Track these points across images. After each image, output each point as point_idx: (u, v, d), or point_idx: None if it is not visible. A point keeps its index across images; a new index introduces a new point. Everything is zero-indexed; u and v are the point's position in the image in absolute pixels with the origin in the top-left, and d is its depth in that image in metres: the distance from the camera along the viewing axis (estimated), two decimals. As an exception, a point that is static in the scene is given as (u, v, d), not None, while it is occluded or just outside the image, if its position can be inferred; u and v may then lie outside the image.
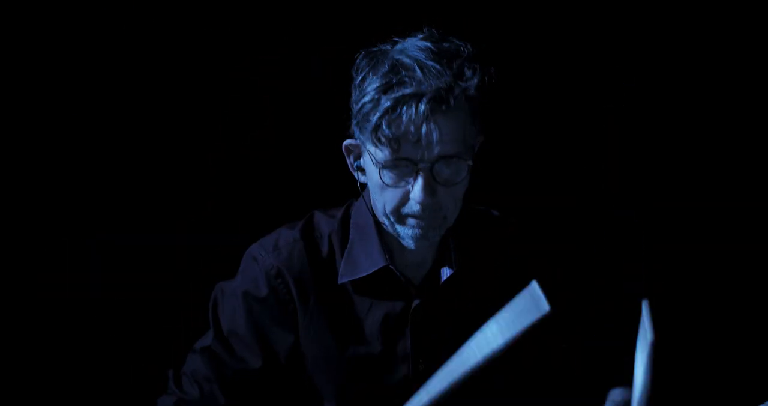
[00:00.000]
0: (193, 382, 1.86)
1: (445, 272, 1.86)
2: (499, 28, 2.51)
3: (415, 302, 1.86)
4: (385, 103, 1.65)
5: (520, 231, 1.98)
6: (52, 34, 2.38)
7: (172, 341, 2.29)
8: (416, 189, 1.70)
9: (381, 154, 1.69)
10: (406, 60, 1.67)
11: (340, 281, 1.84)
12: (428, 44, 1.70)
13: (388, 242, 1.84)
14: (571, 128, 2.61)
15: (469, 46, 1.73)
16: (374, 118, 1.66)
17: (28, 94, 2.39)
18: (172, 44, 2.44)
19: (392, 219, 1.76)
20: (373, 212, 1.83)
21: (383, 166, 1.70)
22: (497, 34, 2.49)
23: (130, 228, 2.48)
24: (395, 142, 1.66)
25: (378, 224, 1.84)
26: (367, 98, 1.67)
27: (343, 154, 1.82)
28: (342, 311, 1.85)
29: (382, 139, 1.67)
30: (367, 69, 1.71)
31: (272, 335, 1.86)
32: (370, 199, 1.83)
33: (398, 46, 1.72)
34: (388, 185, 1.72)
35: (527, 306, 1.33)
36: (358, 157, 1.79)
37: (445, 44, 1.71)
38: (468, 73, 1.68)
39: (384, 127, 1.65)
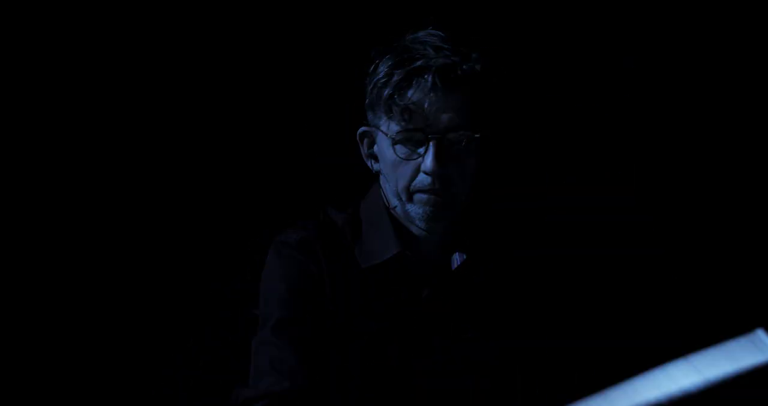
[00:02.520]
0: (282, 376, 1.81)
1: (456, 261, 1.90)
2: (507, 24, 2.53)
3: (426, 291, 1.88)
4: (397, 76, 1.79)
5: (528, 227, 2.06)
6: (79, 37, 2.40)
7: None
8: (427, 159, 1.79)
9: (394, 126, 1.81)
10: (418, 45, 1.82)
11: (363, 266, 1.88)
12: (438, 32, 1.85)
13: (400, 230, 1.89)
14: (581, 122, 2.62)
15: (476, 37, 1.85)
16: (387, 91, 1.80)
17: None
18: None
19: (404, 197, 1.84)
20: (386, 202, 1.89)
21: (395, 140, 1.81)
22: (505, 30, 2.51)
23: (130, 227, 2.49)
24: (407, 113, 1.79)
25: (391, 215, 1.89)
26: (380, 75, 1.82)
27: (357, 146, 1.91)
28: (356, 297, 1.87)
29: (394, 109, 1.79)
30: (380, 57, 1.84)
31: (313, 301, 1.86)
32: (382, 190, 1.90)
33: (410, 36, 1.86)
34: (401, 158, 1.82)
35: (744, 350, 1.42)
36: (372, 144, 1.90)
37: (454, 34, 1.85)
38: (474, 55, 1.82)
39: (396, 98, 1.79)
